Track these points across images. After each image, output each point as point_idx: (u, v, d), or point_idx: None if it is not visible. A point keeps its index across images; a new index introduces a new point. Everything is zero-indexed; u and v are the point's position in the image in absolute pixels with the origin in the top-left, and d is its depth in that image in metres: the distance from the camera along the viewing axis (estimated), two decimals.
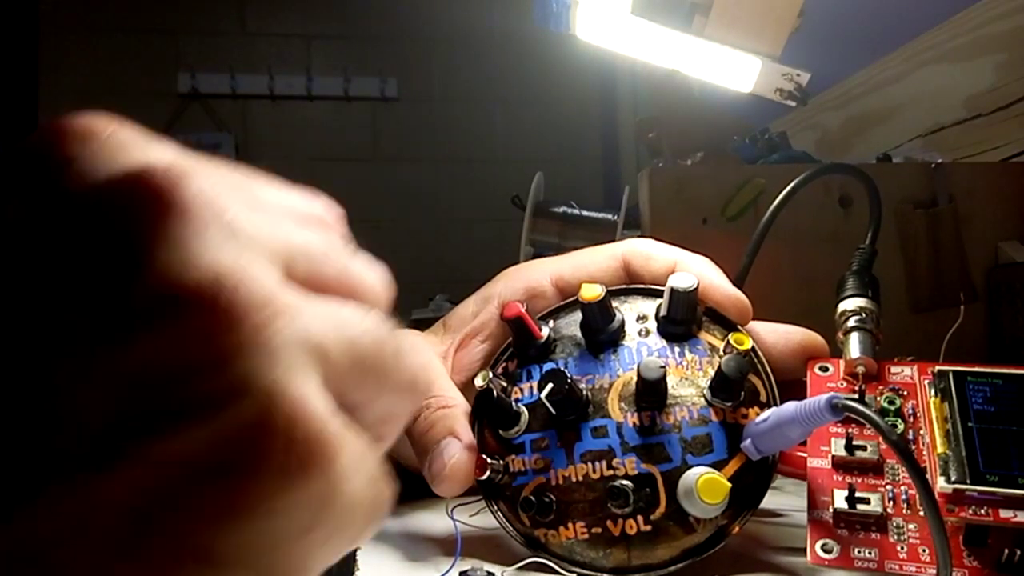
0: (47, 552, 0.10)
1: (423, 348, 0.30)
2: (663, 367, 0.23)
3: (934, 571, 0.21)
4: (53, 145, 0.13)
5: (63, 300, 0.11)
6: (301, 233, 0.14)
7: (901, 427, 0.24)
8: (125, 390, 0.11)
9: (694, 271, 0.26)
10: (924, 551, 0.21)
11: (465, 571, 0.23)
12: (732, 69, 0.36)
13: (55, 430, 0.10)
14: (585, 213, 0.77)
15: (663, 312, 0.26)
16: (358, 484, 0.12)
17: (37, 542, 0.10)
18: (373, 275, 0.15)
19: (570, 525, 0.23)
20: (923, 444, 0.24)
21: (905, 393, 0.25)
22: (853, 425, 0.24)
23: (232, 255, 0.12)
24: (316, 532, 0.12)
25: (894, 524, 0.22)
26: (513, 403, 0.25)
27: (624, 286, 0.27)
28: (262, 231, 0.13)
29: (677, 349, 0.25)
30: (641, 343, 0.25)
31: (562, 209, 0.78)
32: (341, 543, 0.13)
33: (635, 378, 0.24)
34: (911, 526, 0.22)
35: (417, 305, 1.56)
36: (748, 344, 0.25)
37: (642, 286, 0.27)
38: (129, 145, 0.13)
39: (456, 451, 0.25)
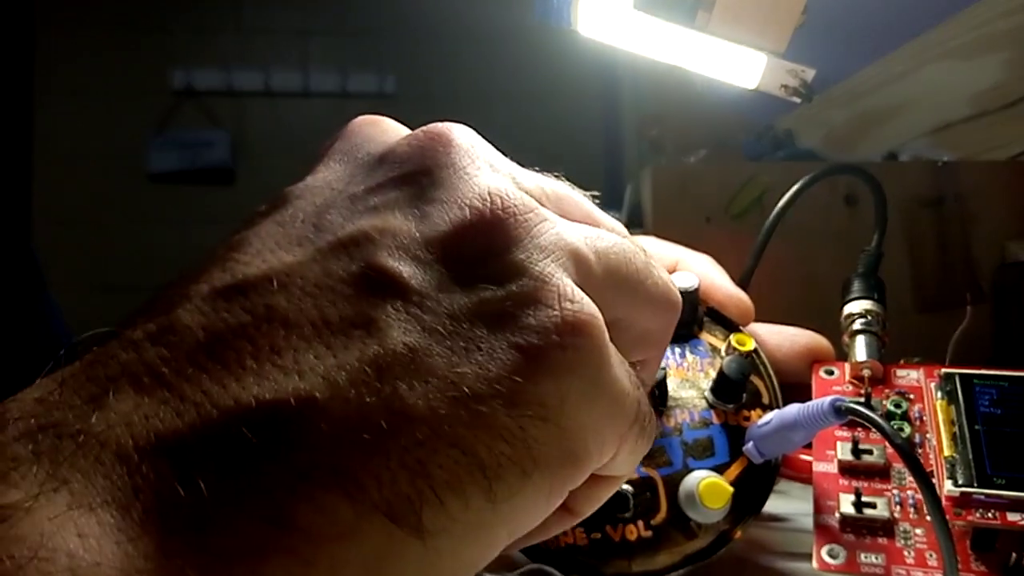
0: (388, 368, 0.12)
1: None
2: (663, 369, 0.23)
3: None
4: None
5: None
6: (543, 178, 0.17)
7: (908, 431, 0.24)
8: (437, 275, 0.13)
9: (696, 270, 0.26)
10: (931, 556, 0.21)
11: None
12: (736, 65, 0.35)
13: (384, 302, 0.13)
14: None
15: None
16: (624, 377, 0.14)
17: (388, 357, 0.12)
18: (611, 219, 0.18)
19: (569, 531, 0.23)
20: (930, 448, 0.23)
21: (912, 396, 0.25)
22: (859, 429, 0.23)
23: (496, 178, 0.15)
24: (593, 402, 0.13)
25: (901, 529, 0.21)
26: None
27: None
28: (513, 168, 0.16)
29: (678, 350, 0.25)
30: None
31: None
32: (616, 427, 0.14)
33: None
34: (918, 531, 0.21)
35: None
36: (750, 345, 0.25)
37: None
38: (394, 124, 0.17)
39: None
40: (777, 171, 0.50)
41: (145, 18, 1.94)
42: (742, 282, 0.28)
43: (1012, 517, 0.20)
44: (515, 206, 0.14)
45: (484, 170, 0.15)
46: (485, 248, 0.14)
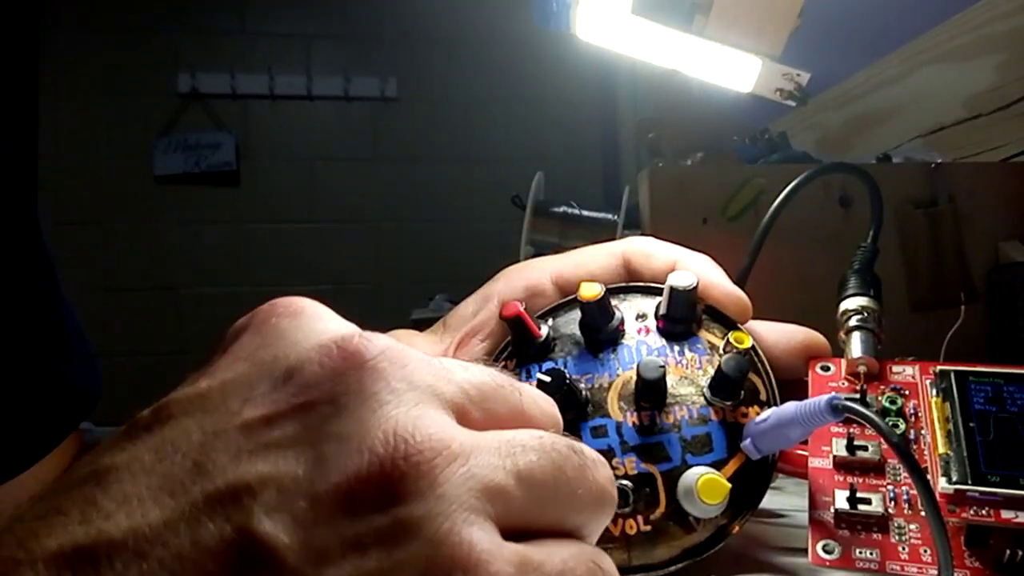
0: None
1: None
2: (663, 366, 0.23)
3: (935, 572, 0.20)
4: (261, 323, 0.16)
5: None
6: (471, 373, 0.15)
7: (903, 427, 0.24)
8: (318, 542, 0.12)
9: (694, 269, 0.26)
10: (926, 552, 0.21)
11: None
12: (732, 69, 0.35)
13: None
14: (585, 213, 0.77)
15: (663, 311, 0.25)
16: None
17: None
18: (544, 402, 0.17)
19: None
20: (924, 444, 0.23)
21: (907, 393, 0.25)
22: (854, 425, 0.24)
23: (408, 410, 0.14)
24: None
25: (895, 525, 0.22)
26: None
27: (624, 284, 0.27)
28: (438, 378, 0.15)
29: (677, 348, 0.25)
30: (641, 342, 0.25)
31: (562, 209, 0.78)
32: None
33: (634, 377, 0.24)
34: (912, 527, 0.22)
35: (417, 305, 1.56)
36: (748, 343, 0.25)
37: (642, 284, 0.27)
38: (316, 319, 0.16)
39: None
40: (773, 173, 0.50)
41: (151, 22, 1.94)
42: (739, 281, 0.28)
43: (1006, 514, 0.20)
44: (420, 451, 0.13)
45: (400, 395, 0.14)
46: (380, 501, 0.12)
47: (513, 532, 0.13)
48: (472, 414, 0.15)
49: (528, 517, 0.14)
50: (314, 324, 0.15)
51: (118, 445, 0.13)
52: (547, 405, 0.17)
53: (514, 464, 0.14)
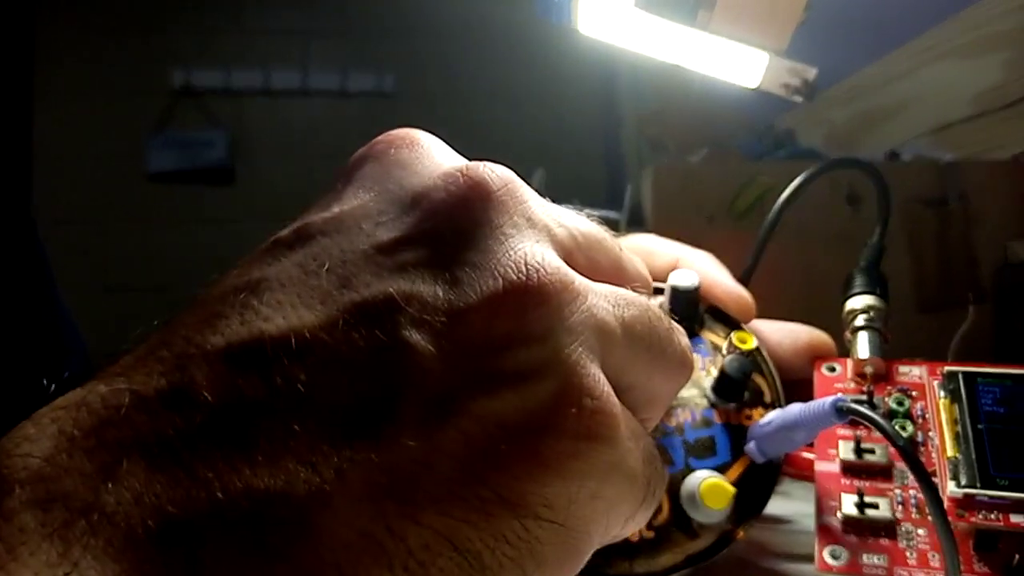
0: (401, 472, 0.12)
1: None
2: None
3: None
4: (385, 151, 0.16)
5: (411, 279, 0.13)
6: (580, 221, 0.16)
7: (910, 429, 0.23)
8: (459, 358, 0.12)
9: (696, 268, 0.26)
10: (934, 557, 0.21)
11: None
12: (737, 64, 0.35)
13: (403, 387, 0.12)
14: (587, 211, 0.77)
15: (664, 310, 0.25)
16: (636, 460, 0.14)
17: (402, 461, 0.12)
18: (638, 263, 0.17)
19: None
20: (932, 447, 0.23)
21: (914, 394, 0.24)
22: (862, 427, 0.23)
23: (532, 244, 0.14)
24: (603, 498, 0.13)
25: (903, 529, 0.21)
26: None
27: None
28: (552, 220, 0.15)
29: None
30: None
31: (563, 207, 0.77)
32: (623, 511, 0.14)
33: None
34: (920, 531, 0.21)
35: None
36: (752, 343, 0.25)
37: None
38: (434, 149, 0.16)
39: None
40: (779, 170, 0.50)
41: (144, 17, 1.93)
42: (743, 280, 0.27)
43: (1015, 519, 0.20)
44: (550, 283, 0.13)
45: (521, 230, 0.14)
46: (515, 325, 0.13)
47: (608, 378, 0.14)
48: (578, 259, 0.15)
49: (623, 367, 0.14)
50: (433, 154, 0.16)
51: (263, 260, 0.14)
52: (641, 266, 0.17)
53: (621, 313, 0.14)
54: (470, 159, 0.16)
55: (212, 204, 1.97)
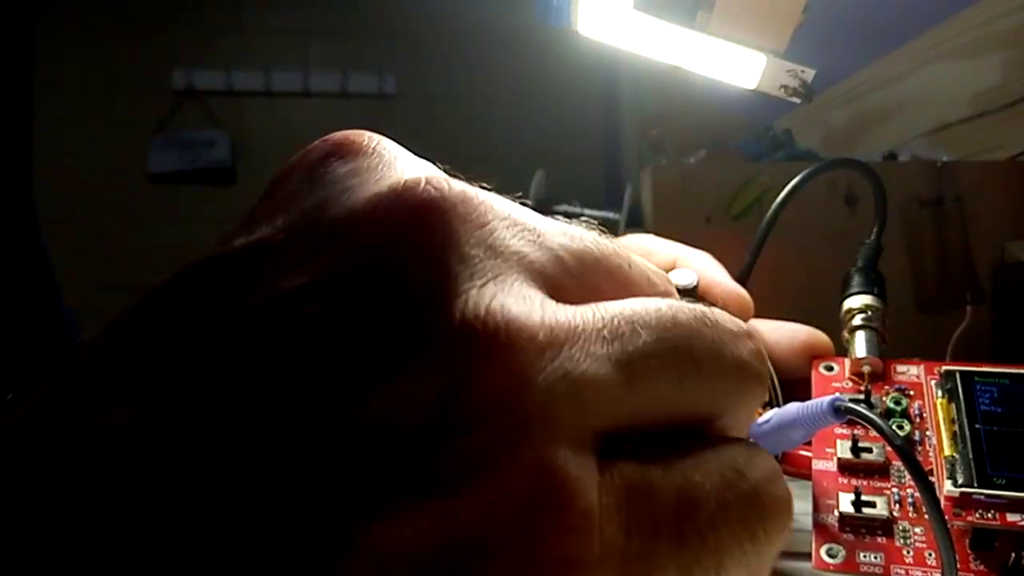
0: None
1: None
2: None
3: None
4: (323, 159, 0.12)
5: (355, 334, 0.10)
6: (569, 237, 0.12)
7: (907, 428, 0.24)
8: (357, 466, 0.09)
9: (695, 267, 0.26)
10: (930, 555, 0.21)
11: None
12: (736, 65, 0.35)
13: (365, 457, 0.09)
14: (586, 212, 0.77)
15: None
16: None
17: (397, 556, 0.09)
18: (656, 276, 0.13)
19: None
20: (930, 446, 0.23)
21: (912, 393, 0.24)
22: (859, 427, 0.23)
23: (487, 281, 0.10)
24: None
25: (900, 528, 0.21)
26: None
27: None
28: (526, 241, 0.11)
29: None
30: None
31: (563, 208, 0.77)
32: None
33: None
34: (917, 530, 0.21)
35: None
36: None
37: None
38: (381, 160, 0.12)
39: None
40: (777, 171, 0.50)
41: (146, 18, 1.94)
42: (741, 279, 0.28)
43: (1012, 517, 0.20)
44: (494, 347, 0.10)
45: (468, 269, 0.10)
46: (442, 415, 0.09)
47: (626, 432, 0.10)
48: (569, 288, 0.11)
49: (643, 416, 0.11)
50: (378, 165, 0.12)
51: (137, 319, 0.11)
52: (660, 280, 0.13)
53: (622, 351, 0.10)
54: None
55: (213, 204, 1.97)
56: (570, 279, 0.12)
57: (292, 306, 0.10)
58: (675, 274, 0.25)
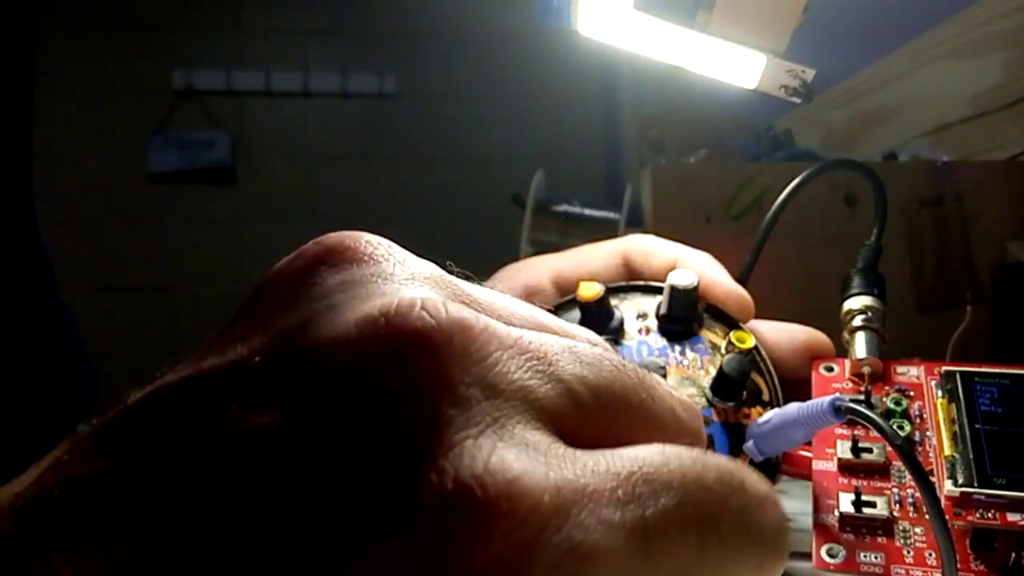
0: None
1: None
2: (663, 367, 0.23)
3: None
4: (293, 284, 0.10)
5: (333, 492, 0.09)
6: (587, 365, 0.10)
7: (908, 428, 0.24)
8: None
9: (695, 267, 0.26)
10: (931, 555, 0.21)
11: None
12: (736, 65, 0.35)
13: None
14: (587, 212, 0.77)
15: (663, 310, 0.25)
16: None
17: None
18: (684, 409, 0.12)
19: None
20: (930, 446, 0.23)
21: (912, 394, 0.24)
22: (859, 427, 0.23)
23: (483, 430, 0.09)
24: None
25: (900, 528, 0.21)
26: None
27: (624, 283, 0.27)
28: (535, 373, 0.10)
29: (678, 348, 0.25)
30: (641, 342, 0.25)
31: (563, 208, 0.77)
32: None
33: None
34: (918, 530, 0.21)
35: None
36: (750, 342, 0.25)
37: (642, 283, 0.27)
38: (379, 272, 0.11)
39: None
40: (777, 171, 0.50)
41: (146, 18, 1.94)
42: (741, 280, 0.28)
43: (1012, 517, 0.20)
44: (490, 517, 0.09)
45: (463, 414, 0.09)
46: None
47: None
48: (582, 428, 0.10)
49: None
50: (368, 281, 0.11)
51: (89, 455, 0.10)
52: (688, 414, 0.12)
53: (639, 517, 0.09)
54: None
55: (213, 204, 1.97)
56: (583, 417, 0.10)
57: (258, 449, 0.09)
58: (675, 274, 0.25)
